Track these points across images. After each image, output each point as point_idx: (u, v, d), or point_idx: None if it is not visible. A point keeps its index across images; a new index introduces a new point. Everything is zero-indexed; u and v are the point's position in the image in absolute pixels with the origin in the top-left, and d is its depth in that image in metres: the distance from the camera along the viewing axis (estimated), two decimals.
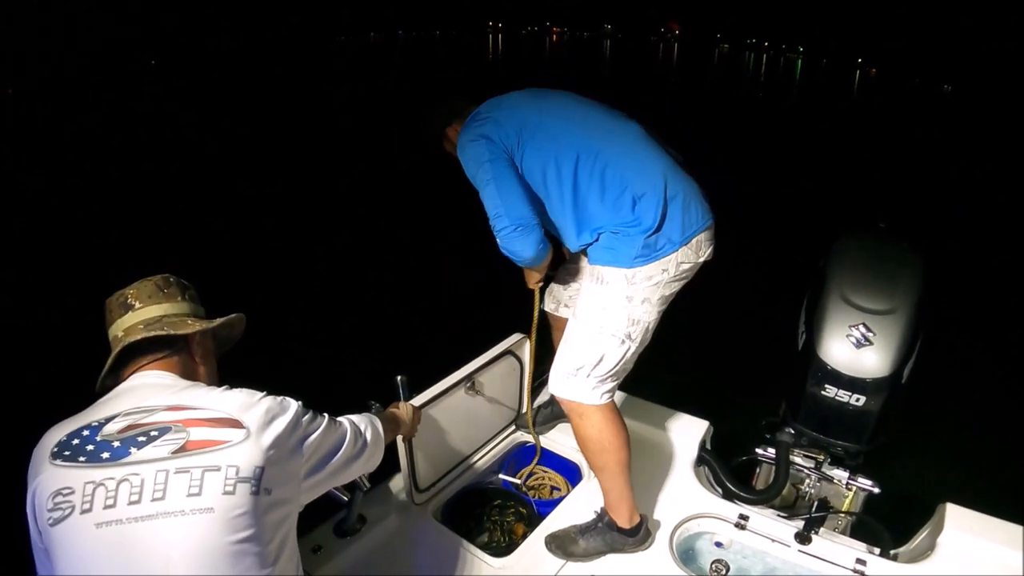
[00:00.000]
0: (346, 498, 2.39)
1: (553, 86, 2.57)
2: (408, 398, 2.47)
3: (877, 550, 2.51)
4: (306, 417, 1.58)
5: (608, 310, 2.26)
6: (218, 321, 1.74)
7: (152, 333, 1.60)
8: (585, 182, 2.24)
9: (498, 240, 2.30)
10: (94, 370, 1.62)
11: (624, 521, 2.43)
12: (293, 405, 1.56)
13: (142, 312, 1.65)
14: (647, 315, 2.29)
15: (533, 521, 2.69)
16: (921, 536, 2.56)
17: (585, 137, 2.27)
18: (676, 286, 2.33)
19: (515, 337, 2.94)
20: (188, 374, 1.63)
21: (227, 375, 1.76)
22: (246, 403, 1.48)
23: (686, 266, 2.27)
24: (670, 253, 2.22)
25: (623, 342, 2.28)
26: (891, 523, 2.66)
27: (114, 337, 1.64)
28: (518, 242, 2.24)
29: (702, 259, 2.33)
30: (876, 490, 2.71)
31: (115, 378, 1.61)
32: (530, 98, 2.43)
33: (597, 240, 2.28)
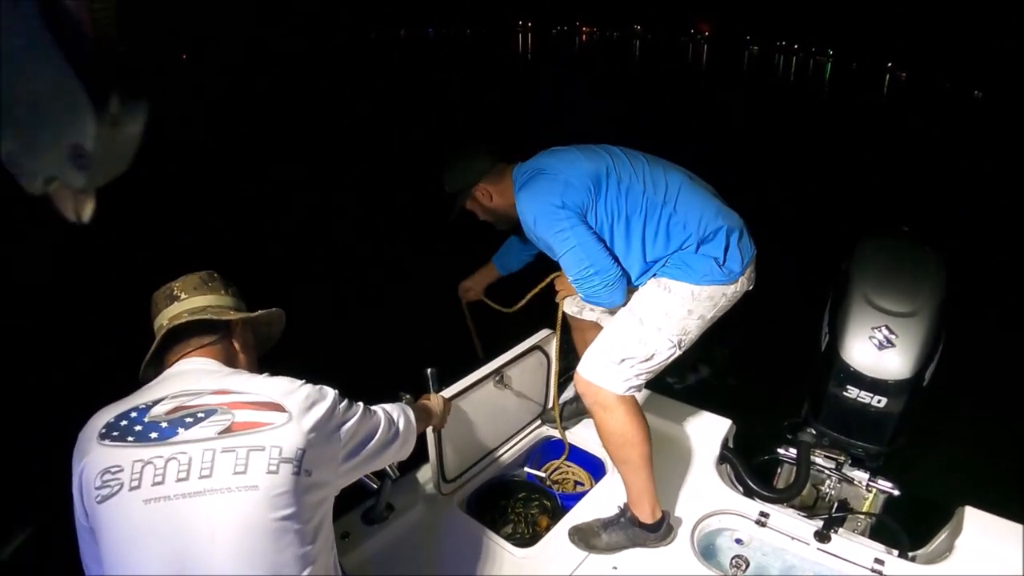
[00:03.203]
0: (375, 486, 2.45)
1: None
2: (438, 390, 2.52)
3: (896, 551, 2.53)
4: (343, 404, 1.65)
5: (670, 316, 2.38)
6: (259, 312, 1.82)
7: (196, 317, 1.68)
8: (652, 234, 2.39)
9: (584, 294, 2.42)
10: (127, 366, 1.70)
11: (646, 516, 2.48)
12: (331, 393, 1.62)
13: (187, 302, 1.73)
14: (697, 330, 2.44)
15: (557, 514, 2.75)
16: (940, 538, 2.57)
17: (648, 191, 2.40)
18: (723, 312, 2.47)
19: (543, 333, 2.99)
20: (230, 362, 1.71)
21: (262, 367, 1.83)
22: (287, 389, 1.55)
23: (737, 294, 2.45)
24: (731, 282, 2.38)
25: (672, 347, 2.41)
26: (910, 525, 2.68)
27: (159, 326, 1.71)
28: (610, 295, 2.38)
29: (749, 288, 2.50)
30: (896, 492, 2.72)
31: (159, 366, 1.69)
32: (589, 155, 2.49)
33: (665, 264, 2.40)
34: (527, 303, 2.90)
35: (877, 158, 16.05)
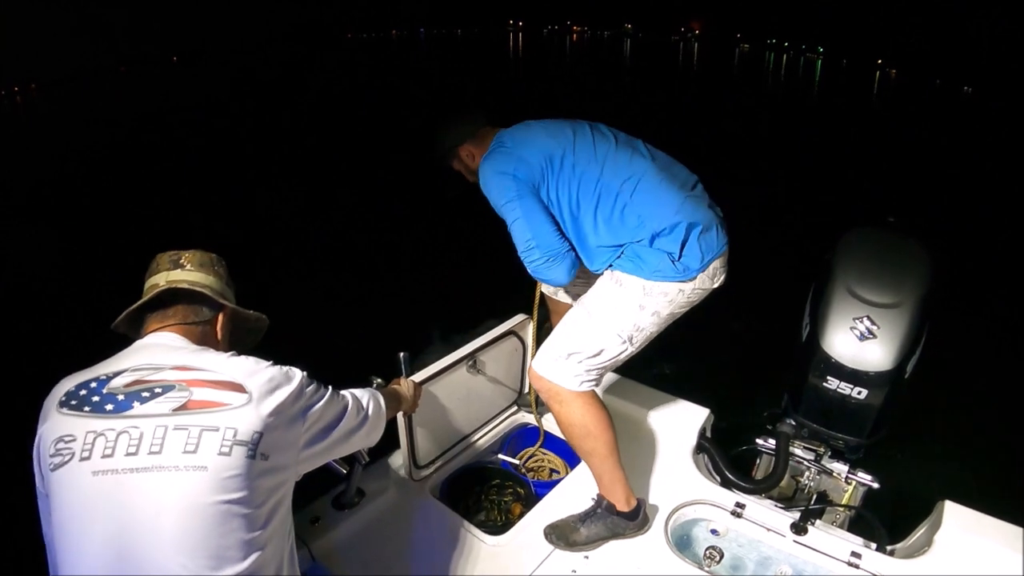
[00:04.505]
0: (345, 471, 2.42)
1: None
2: (409, 374, 2.49)
3: (874, 544, 2.50)
4: (310, 388, 1.62)
5: (619, 311, 2.32)
6: (251, 312, 1.82)
7: (196, 288, 1.67)
8: (604, 219, 2.33)
9: (529, 270, 2.39)
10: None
11: (622, 504, 2.44)
12: (298, 375, 1.59)
13: (191, 274, 1.71)
14: (652, 326, 2.37)
15: (530, 502, 2.71)
16: (919, 533, 2.54)
17: (606, 176, 2.34)
18: (685, 308, 2.40)
19: (518, 318, 2.95)
20: (204, 344, 1.67)
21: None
22: (251, 370, 1.52)
23: (699, 291, 2.36)
24: (688, 279, 2.29)
25: (623, 343, 2.35)
26: (889, 518, 2.65)
27: (154, 284, 1.68)
28: (551, 271, 2.35)
29: (715, 285, 2.41)
30: (875, 485, 2.71)
31: (137, 328, 1.67)
32: (553, 132, 2.47)
33: (620, 255, 2.34)
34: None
35: (865, 152, 16.16)
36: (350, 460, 2.41)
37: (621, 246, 2.32)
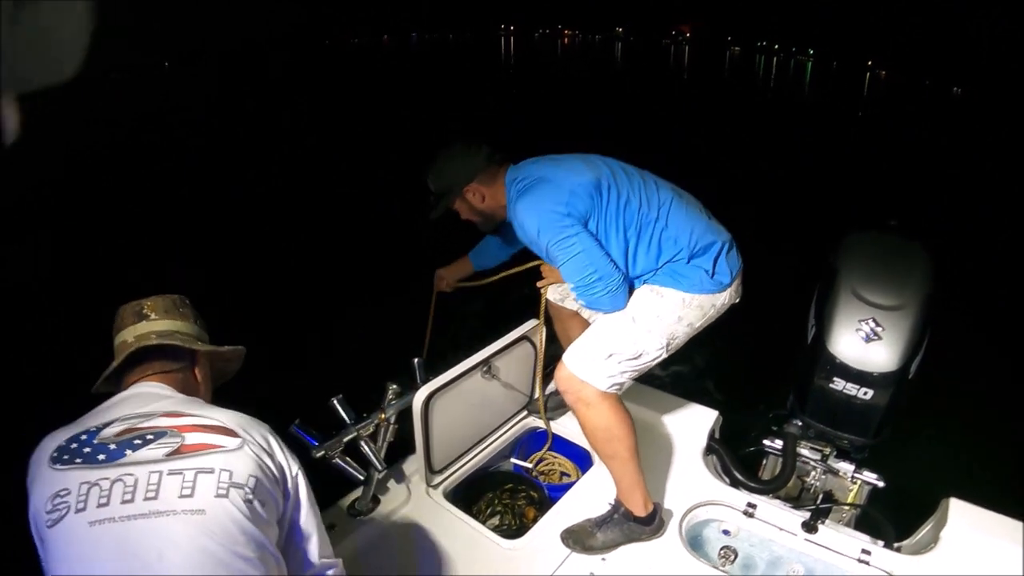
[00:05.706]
0: (361, 478, 2.44)
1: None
2: (424, 381, 2.51)
3: (881, 542, 2.54)
4: (294, 462, 1.59)
5: (661, 319, 2.39)
6: (226, 347, 1.81)
7: (165, 341, 1.65)
8: (644, 248, 2.41)
9: (587, 301, 2.43)
10: (91, 378, 1.67)
11: (639, 509, 2.46)
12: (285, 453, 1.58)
13: (156, 323, 1.70)
14: (684, 336, 2.46)
15: (544, 505, 2.75)
16: (924, 530, 2.58)
17: (643, 206, 2.41)
18: (711, 321, 2.50)
19: (531, 323, 2.96)
20: (188, 391, 1.67)
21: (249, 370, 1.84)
22: (243, 418, 1.54)
23: (726, 305, 2.48)
24: (720, 291, 2.43)
25: (660, 349, 2.42)
26: (895, 516, 2.69)
27: (123, 342, 1.68)
28: (613, 300, 2.39)
29: (737, 300, 2.53)
30: (880, 484, 2.75)
31: (116, 384, 1.67)
32: (588, 163, 2.48)
33: (656, 273, 2.43)
34: (502, 279, 2.89)
35: (864, 154, 16.22)
36: (366, 467, 2.44)
37: (655, 269, 2.41)
